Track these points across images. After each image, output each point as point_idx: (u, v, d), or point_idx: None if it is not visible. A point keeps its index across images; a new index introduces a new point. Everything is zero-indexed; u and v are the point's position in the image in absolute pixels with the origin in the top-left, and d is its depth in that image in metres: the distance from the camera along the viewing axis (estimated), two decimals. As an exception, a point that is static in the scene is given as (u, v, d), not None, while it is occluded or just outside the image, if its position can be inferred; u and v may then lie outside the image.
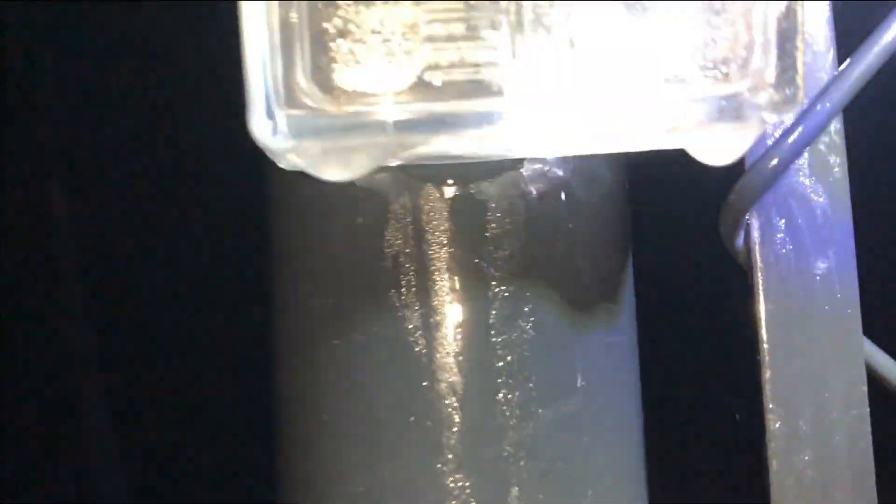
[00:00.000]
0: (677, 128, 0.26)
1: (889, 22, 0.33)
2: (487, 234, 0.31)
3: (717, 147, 0.27)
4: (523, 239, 0.31)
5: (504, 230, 0.31)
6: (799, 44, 0.26)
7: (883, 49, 0.33)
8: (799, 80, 0.26)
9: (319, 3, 0.25)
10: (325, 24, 0.25)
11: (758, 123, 0.26)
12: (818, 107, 0.32)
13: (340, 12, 0.25)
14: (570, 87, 0.26)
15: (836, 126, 0.33)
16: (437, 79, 0.25)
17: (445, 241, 0.31)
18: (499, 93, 0.26)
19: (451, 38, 0.25)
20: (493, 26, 0.25)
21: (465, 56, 0.25)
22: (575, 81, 0.26)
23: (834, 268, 0.33)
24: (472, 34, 0.25)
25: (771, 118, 0.26)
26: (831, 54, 0.33)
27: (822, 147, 0.33)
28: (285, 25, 0.25)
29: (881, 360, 0.34)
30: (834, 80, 0.32)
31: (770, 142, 0.32)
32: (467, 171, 0.31)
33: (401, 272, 0.31)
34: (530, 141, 0.28)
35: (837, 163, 0.33)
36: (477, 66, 0.25)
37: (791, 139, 0.32)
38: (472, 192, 0.31)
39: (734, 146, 0.27)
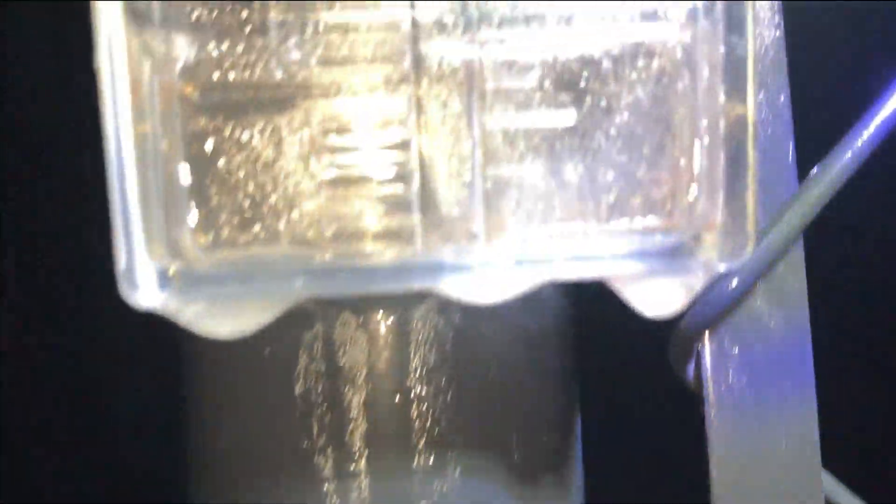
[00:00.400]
0: (612, 277, 0.23)
1: (855, 133, 0.30)
2: (410, 369, 0.28)
3: (657, 297, 0.24)
4: (450, 373, 0.28)
5: (428, 364, 0.28)
6: (750, 184, 0.23)
7: (849, 162, 0.30)
8: (749, 226, 0.23)
9: (194, 147, 0.21)
10: (203, 164, 0.22)
11: (702, 273, 0.23)
12: (778, 228, 0.29)
13: (222, 153, 0.22)
14: (489, 232, 0.23)
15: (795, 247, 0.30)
16: (339, 227, 0.22)
17: (363, 378, 0.28)
18: (409, 240, 0.22)
19: (354, 184, 0.22)
20: (402, 172, 0.22)
21: (370, 203, 0.22)
22: (493, 225, 0.23)
23: (792, 400, 0.30)
24: (377, 179, 0.22)
25: (717, 268, 0.23)
26: (792, 163, 0.30)
27: (780, 269, 0.30)
28: (157, 162, 0.21)
29: (845, 499, 0.31)
30: (795, 198, 0.29)
31: (724, 266, 0.29)
32: (387, 298, 0.28)
33: (312, 413, 0.28)
34: (448, 284, 0.24)
35: (796, 287, 0.30)
36: (384, 214, 0.22)
37: (748, 264, 0.29)
38: (392, 320, 0.28)
39: (676, 296, 0.24)
